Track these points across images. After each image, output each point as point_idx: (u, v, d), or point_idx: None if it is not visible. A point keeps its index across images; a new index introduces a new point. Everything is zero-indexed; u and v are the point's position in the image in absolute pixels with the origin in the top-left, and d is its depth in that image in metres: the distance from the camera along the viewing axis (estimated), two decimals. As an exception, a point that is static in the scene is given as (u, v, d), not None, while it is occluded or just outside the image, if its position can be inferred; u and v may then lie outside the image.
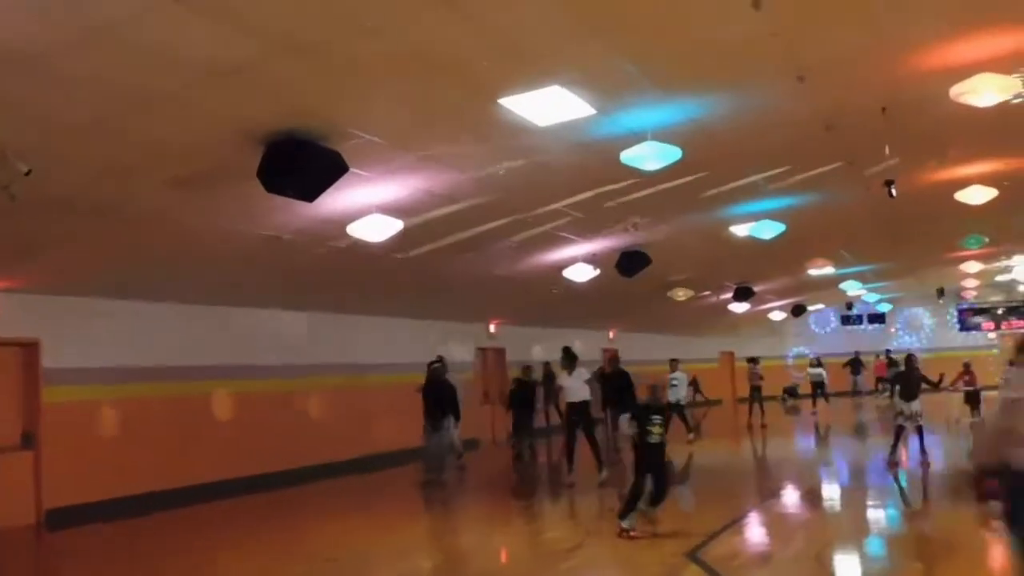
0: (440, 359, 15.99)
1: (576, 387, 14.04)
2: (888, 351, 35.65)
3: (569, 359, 14.27)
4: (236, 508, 13.29)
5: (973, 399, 22.01)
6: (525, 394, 18.85)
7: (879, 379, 34.62)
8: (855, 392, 36.76)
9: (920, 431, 14.42)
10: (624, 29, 7.09)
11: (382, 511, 12.61)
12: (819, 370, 31.07)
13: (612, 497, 11.70)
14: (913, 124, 10.54)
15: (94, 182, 8.79)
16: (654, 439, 9.36)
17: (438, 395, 15.31)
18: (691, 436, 20.53)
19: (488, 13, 6.54)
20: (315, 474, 15.48)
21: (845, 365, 36.44)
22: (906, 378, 14.82)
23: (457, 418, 15.55)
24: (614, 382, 16.39)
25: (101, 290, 12.65)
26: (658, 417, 9.41)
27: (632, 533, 9.31)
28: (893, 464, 14.39)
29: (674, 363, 21.88)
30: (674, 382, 20.65)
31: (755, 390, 25.57)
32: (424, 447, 15.42)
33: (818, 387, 30.31)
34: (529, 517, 12.53)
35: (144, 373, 13.55)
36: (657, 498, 9.56)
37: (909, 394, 14.49)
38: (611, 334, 29.40)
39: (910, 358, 15.10)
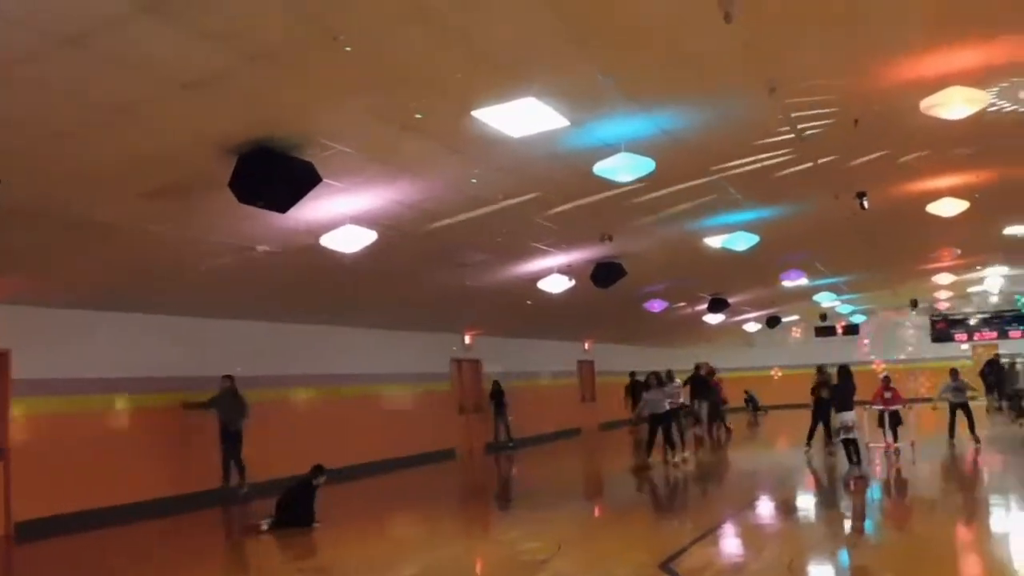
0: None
1: None
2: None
3: None
4: (205, 520, 13.18)
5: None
6: None
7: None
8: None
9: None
10: (596, 41, 7.11)
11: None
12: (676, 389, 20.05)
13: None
14: (885, 136, 10.63)
15: (65, 192, 8.69)
16: None
17: None
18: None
19: (461, 26, 6.53)
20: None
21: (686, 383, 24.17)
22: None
23: None
24: None
25: (73, 301, 12.52)
26: None
27: None
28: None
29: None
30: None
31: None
32: None
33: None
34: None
35: (116, 384, 13.42)
36: None
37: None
38: (586, 345, 29.47)
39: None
